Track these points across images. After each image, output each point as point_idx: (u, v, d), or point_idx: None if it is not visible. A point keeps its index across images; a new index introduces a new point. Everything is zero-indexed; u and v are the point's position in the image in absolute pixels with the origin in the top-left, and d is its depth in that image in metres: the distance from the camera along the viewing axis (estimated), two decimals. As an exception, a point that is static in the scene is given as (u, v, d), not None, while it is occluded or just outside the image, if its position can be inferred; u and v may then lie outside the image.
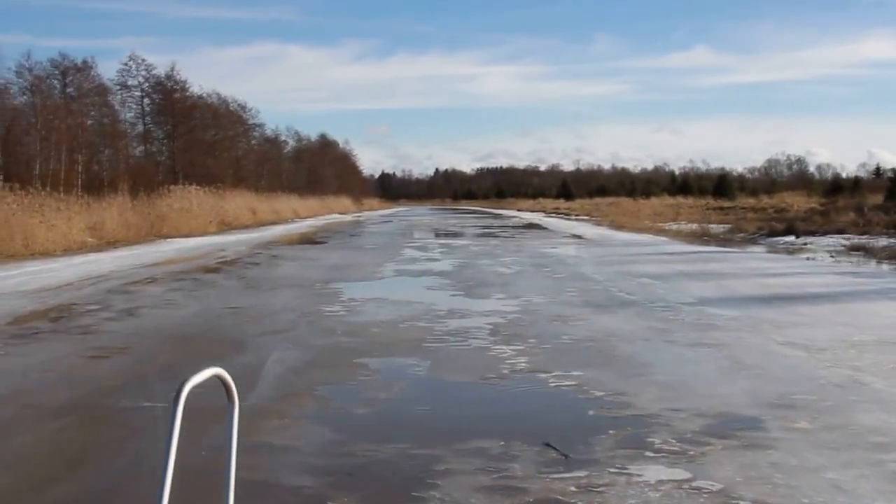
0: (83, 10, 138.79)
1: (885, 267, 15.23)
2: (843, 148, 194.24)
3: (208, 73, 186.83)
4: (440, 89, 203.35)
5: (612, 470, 4.14)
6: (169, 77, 42.38)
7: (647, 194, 73.53)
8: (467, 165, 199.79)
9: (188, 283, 13.41)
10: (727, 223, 30.64)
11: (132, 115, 41.29)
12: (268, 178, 58.65)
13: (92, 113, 36.24)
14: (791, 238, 23.10)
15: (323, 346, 7.70)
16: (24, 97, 32.58)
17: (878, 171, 71.41)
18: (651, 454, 4.39)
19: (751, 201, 52.93)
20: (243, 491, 3.90)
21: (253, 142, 58.57)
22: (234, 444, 2.23)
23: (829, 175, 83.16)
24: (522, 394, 5.87)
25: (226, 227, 34.71)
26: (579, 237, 26.46)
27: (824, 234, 23.53)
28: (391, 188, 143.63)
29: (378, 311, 9.82)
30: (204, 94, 47.22)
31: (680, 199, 63.19)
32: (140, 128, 41.65)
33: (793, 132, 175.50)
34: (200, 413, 3.75)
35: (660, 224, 33.51)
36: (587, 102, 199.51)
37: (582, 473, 4.10)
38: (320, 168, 77.47)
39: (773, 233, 24.73)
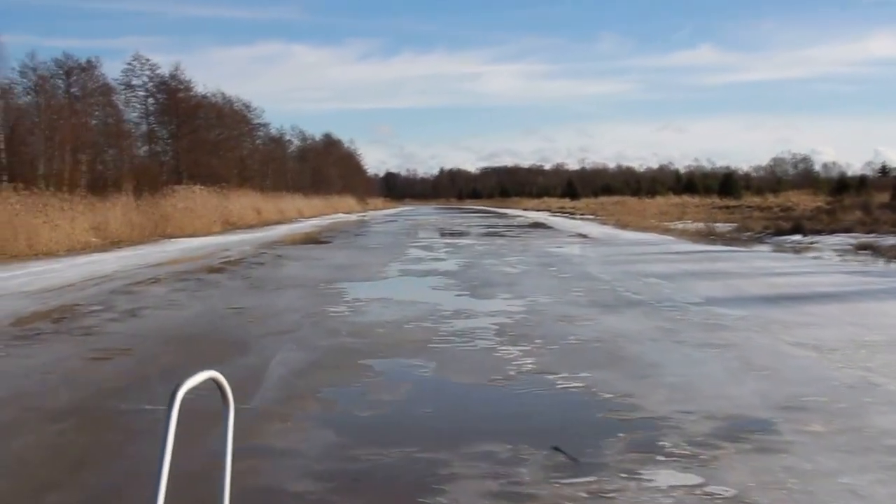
0: (87, 9, 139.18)
1: (893, 266, 15.09)
2: (848, 146, 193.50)
3: (213, 73, 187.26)
4: (445, 88, 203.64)
5: (622, 475, 4.05)
6: (173, 77, 42.42)
7: (652, 193, 73.49)
8: (472, 165, 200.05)
9: (192, 283, 13.34)
10: (733, 222, 30.52)
11: (136, 114, 41.31)
12: (272, 178, 58.70)
13: (96, 113, 36.24)
14: (798, 237, 22.96)
15: (327, 347, 7.62)
16: (29, 97, 32.62)
17: (884, 170, 71.15)
18: (662, 458, 4.30)
19: (756, 200, 52.75)
20: (245, 497, 3.83)
21: (257, 141, 58.61)
22: (230, 448, 2.22)
23: (834, 173, 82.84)
24: (530, 396, 5.78)
25: (230, 226, 34.67)
26: (585, 236, 26.36)
27: (831, 232, 23.39)
28: (396, 188, 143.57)
29: (383, 312, 9.74)
30: (208, 94, 47.26)
31: (685, 198, 63.09)
32: (144, 127, 41.64)
33: (798, 131, 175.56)
34: (200, 415, 3.66)
35: (665, 223, 33.38)
36: (592, 101, 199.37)
37: (592, 478, 4.01)
38: (325, 168, 77.48)
39: (780, 231, 24.60)
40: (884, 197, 37.74)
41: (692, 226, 30.43)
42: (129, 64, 40.70)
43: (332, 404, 5.63)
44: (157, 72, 41.70)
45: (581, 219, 44.21)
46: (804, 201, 44.91)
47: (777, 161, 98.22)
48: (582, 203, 72.88)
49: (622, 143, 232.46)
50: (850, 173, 75.81)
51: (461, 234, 29.23)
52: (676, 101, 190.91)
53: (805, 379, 6.04)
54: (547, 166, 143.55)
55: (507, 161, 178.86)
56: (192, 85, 43.83)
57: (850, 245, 19.31)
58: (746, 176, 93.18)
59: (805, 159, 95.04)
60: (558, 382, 6.10)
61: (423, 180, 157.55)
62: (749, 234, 25.30)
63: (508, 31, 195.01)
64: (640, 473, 4.06)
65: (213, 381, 2.09)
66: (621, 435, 4.72)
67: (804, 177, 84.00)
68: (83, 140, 31.92)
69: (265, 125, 59.76)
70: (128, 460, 4.48)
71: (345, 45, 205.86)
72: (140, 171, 35.40)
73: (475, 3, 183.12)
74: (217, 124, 47.69)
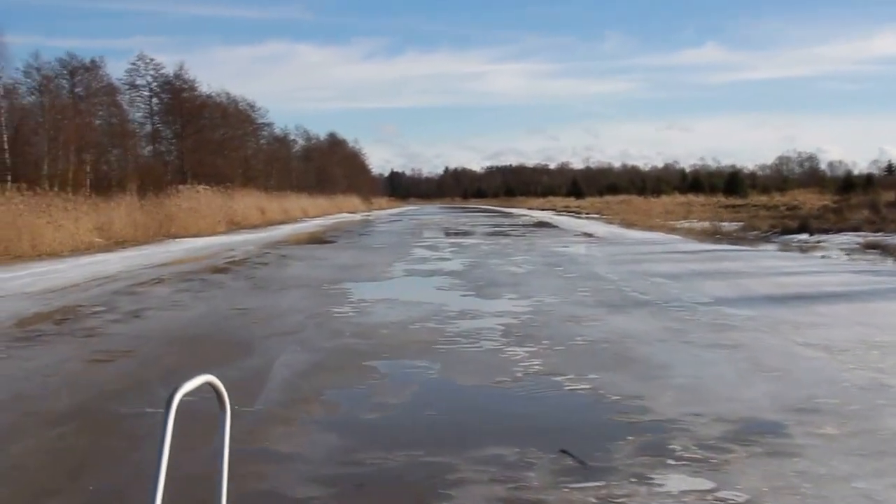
0: (91, 9, 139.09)
1: (902, 265, 14.98)
2: (854, 145, 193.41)
3: (217, 73, 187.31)
4: (449, 88, 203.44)
5: (632, 479, 3.96)
6: (177, 76, 42.48)
7: (657, 192, 73.32)
8: (477, 164, 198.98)
9: (196, 283, 13.28)
10: (739, 221, 30.41)
11: (141, 114, 41.40)
12: (277, 178, 58.68)
13: (100, 113, 36.29)
14: (805, 236, 22.84)
15: (331, 349, 7.54)
16: (33, 97, 32.68)
17: (890, 168, 71.03)
18: (672, 462, 4.21)
19: (762, 199, 52.62)
20: (248, 502, 3.75)
21: (262, 141, 58.64)
22: (226, 452, 2.21)
23: (840, 172, 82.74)
24: (537, 398, 5.70)
25: (235, 226, 34.63)
26: (591, 236, 26.27)
27: (838, 231, 23.26)
28: (400, 187, 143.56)
29: (388, 312, 9.66)
30: (213, 94, 47.36)
31: (691, 197, 62.90)
32: (148, 127, 41.70)
33: (803, 129, 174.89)
34: (200, 416, 3.59)
35: (671, 222, 33.27)
36: (597, 100, 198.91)
37: (601, 483, 3.92)
38: (329, 167, 77.48)
39: (787, 230, 24.48)
40: (891, 195, 37.48)
41: (698, 225, 30.31)
42: (133, 64, 40.84)
43: (336, 407, 5.56)
44: (162, 71, 41.83)
45: (586, 218, 44.12)
46: (810, 200, 44.72)
47: (783, 160, 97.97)
48: (587, 202, 72.77)
49: (627, 142, 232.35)
50: (855, 172, 75.79)
51: (466, 234, 29.15)
52: (681, 100, 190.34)
53: (816, 380, 5.95)
54: (552, 165, 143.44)
55: (512, 160, 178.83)
56: (196, 85, 43.96)
57: (858, 244, 19.20)
58: (752, 175, 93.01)
59: (811, 158, 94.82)
60: (566, 384, 6.02)
61: (428, 180, 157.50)
62: (755, 233, 25.19)
63: (513, 31, 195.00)
64: (650, 478, 3.98)
65: (210, 385, 2.09)
66: (630, 438, 4.64)
67: (810, 175, 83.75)
68: (87, 140, 31.93)
69: (269, 125, 59.90)
70: (129, 465, 4.41)
71: (349, 44, 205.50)
72: (144, 170, 35.42)
73: (479, 3, 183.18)
74: (221, 124, 47.71)
